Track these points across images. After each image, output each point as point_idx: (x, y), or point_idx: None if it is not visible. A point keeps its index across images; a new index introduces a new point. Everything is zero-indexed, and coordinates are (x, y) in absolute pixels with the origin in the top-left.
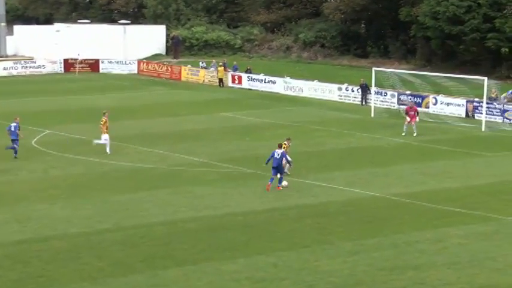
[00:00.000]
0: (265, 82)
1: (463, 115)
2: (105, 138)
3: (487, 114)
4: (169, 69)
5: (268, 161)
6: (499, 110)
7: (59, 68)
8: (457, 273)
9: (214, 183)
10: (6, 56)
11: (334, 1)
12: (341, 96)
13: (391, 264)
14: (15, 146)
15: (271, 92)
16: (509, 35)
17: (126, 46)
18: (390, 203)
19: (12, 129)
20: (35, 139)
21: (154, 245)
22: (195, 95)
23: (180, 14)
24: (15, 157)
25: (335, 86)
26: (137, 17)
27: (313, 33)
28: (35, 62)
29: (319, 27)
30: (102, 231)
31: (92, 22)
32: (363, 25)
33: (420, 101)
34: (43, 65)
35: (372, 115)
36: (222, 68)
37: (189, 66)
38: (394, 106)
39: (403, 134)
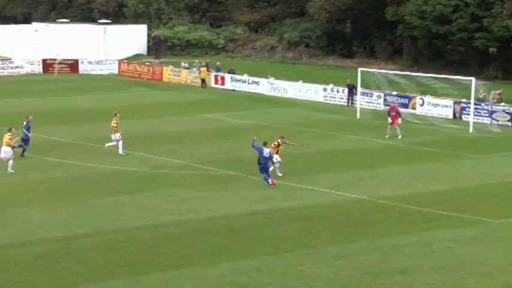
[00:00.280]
0: (248, 83)
1: (451, 116)
2: (116, 138)
3: (474, 115)
4: (151, 69)
5: (259, 159)
6: (487, 111)
7: (38, 68)
8: (444, 277)
9: (197, 186)
10: None
11: (319, 0)
12: (326, 97)
13: (377, 268)
14: (22, 144)
15: (255, 93)
16: (497, 34)
17: (107, 46)
18: (376, 206)
19: (24, 128)
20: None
21: (136, 249)
22: (177, 96)
23: (162, 13)
24: (22, 155)
25: (320, 87)
26: (118, 16)
27: (297, 33)
28: (12, 63)
29: (304, 26)
30: (81, 235)
31: (71, 22)
32: (348, 25)
33: (407, 102)
34: (21, 66)
35: (358, 116)
36: (205, 68)
37: (171, 66)
38: (380, 107)
39: (387, 136)
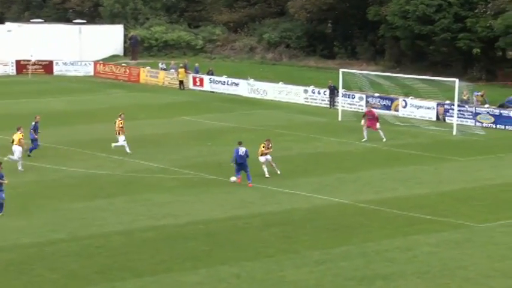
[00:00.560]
0: (228, 84)
1: (434, 118)
2: (122, 139)
3: (458, 117)
4: (127, 70)
5: (233, 159)
6: (470, 113)
7: (11, 69)
8: (427, 282)
9: (174, 191)
10: None
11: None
12: (307, 98)
13: (359, 273)
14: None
15: (234, 95)
16: (481, 35)
17: (82, 47)
18: (358, 210)
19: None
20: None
21: (111, 255)
22: (154, 97)
23: (138, 13)
24: (29, 155)
25: (301, 88)
26: (93, 16)
27: (277, 33)
28: None
29: (284, 27)
30: (56, 241)
31: (45, 21)
32: (329, 25)
33: (389, 104)
34: None
35: (340, 118)
36: (183, 69)
37: (148, 67)
38: (362, 109)
39: (363, 140)
